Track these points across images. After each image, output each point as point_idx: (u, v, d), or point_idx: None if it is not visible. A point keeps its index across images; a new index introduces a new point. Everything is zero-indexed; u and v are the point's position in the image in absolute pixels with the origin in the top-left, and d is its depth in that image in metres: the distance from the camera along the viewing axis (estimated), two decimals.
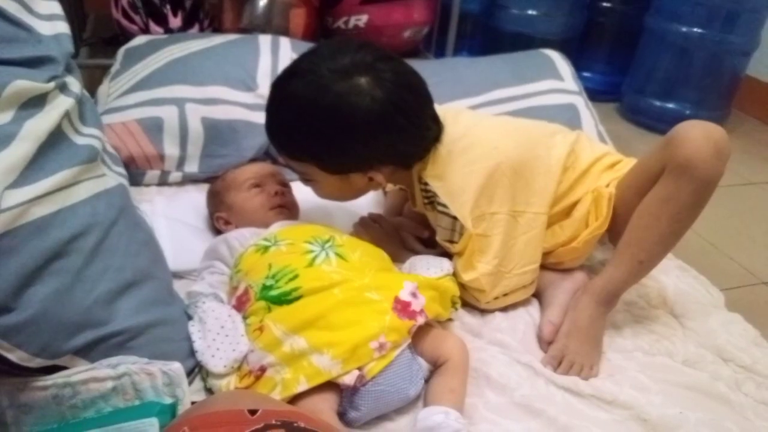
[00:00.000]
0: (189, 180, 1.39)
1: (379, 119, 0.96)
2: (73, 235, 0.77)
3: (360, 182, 1.07)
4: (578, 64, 1.73)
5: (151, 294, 0.85)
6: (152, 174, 1.36)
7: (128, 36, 1.80)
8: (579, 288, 1.11)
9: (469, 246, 1.04)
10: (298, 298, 0.88)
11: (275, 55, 1.52)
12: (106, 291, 0.79)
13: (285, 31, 1.91)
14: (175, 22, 1.93)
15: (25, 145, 0.76)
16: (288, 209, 1.14)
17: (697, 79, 2.26)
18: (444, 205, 1.04)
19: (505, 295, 1.09)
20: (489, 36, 2.35)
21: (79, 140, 0.90)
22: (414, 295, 0.90)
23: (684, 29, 2.20)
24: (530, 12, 2.25)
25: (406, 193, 1.25)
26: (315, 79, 0.96)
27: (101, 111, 1.38)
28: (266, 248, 0.97)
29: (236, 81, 1.44)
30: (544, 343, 1.04)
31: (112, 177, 0.95)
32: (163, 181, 1.37)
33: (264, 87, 1.44)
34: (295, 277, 0.90)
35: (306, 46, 1.64)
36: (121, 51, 1.60)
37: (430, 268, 1.02)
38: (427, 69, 1.66)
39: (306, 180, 1.08)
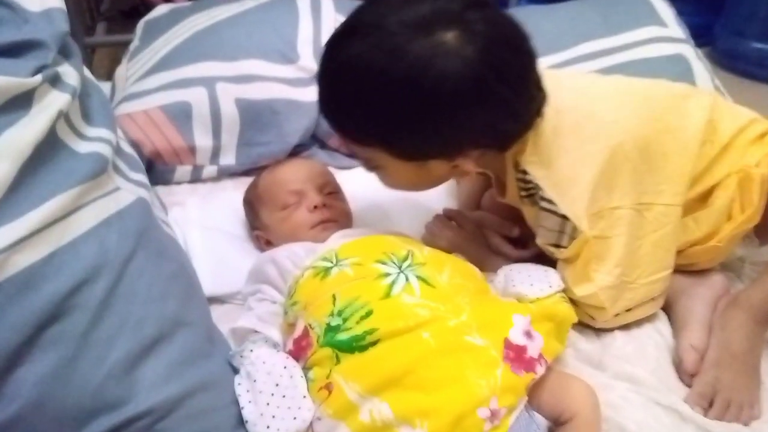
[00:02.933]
0: (226, 174, 1.19)
1: (473, 88, 0.71)
2: (74, 286, 0.58)
3: (441, 170, 0.83)
4: None
5: (183, 349, 0.65)
6: (183, 170, 1.16)
7: (150, 6, 1.59)
8: (720, 297, 0.88)
9: (584, 252, 0.81)
10: (374, 344, 0.67)
11: (317, 17, 1.29)
12: (123, 357, 0.59)
13: None
14: None
15: (1, 166, 0.56)
16: (335, 222, 0.92)
17: None
18: (549, 201, 0.81)
19: (628, 310, 0.85)
20: None
21: (83, 147, 0.70)
22: (528, 334, 0.68)
23: None
24: None
25: (487, 179, 1.01)
26: (383, 38, 0.71)
27: (119, 98, 1.19)
28: (327, 271, 0.76)
29: (273, 52, 1.22)
30: (686, 375, 0.81)
31: (129, 190, 0.75)
32: (196, 178, 1.18)
33: (306, 57, 1.23)
34: (369, 313, 0.68)
35: (353, 4, 1.42)
36: (141, 24, 1.41)
37: (534, 283, 0.79)
38: None
39: (371, 167, 0.85)
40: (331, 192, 0.96)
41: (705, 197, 0.88)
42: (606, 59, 1.25)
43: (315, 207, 0.91)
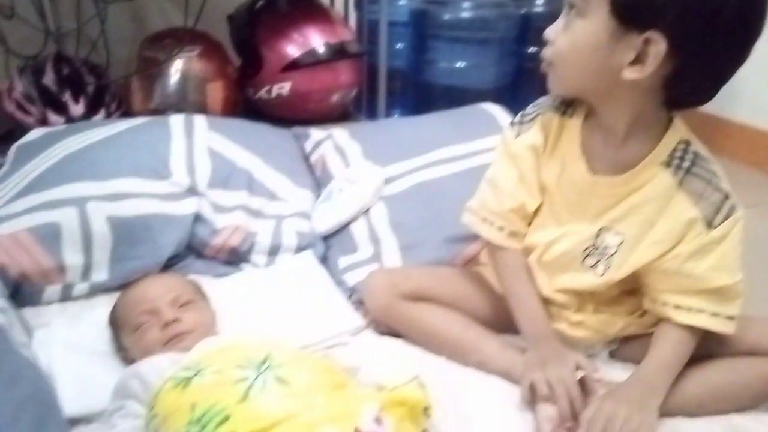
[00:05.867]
0: (99, 291, 1.18)
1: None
2: None
3: (620, 58, 0.82)
4: (514, 111, 1.62)
5: None
6: (52, 290, 1.15)
7: (25, 130, 1.60)
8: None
9: (733, 232, 0.90)
10: None
11: (189, 136, 1.36)
12: None
13: (202, 107, 1.77)
14: (77, 109, 1.74)
15: None
16: (190, 333, 0.93)
17: None
18: (714, 173, 0.90)
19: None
20: (420, 92, 2.27)
21: None
22: (378, 420, 0.73)
23: None
24: (459, 64, 2.18)
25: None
26: None
27: None
28: (188, 381, 0.78)
29: (146, 170, 1.26)
30: None
31: None
32: (66, 296, 1.16)
33: (179, 174, 1.27)
34: (226, 419, 0.71)
35: (225, 122, 1.51)
36: (12, 149, 1.42)
37: (391, 373, 0.84)
38: (361, 132, 1.56)
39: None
40: (185, 303, 0.98)
41: None
42: (459, 162, 1.37)
43: (165, 324, 0.92)
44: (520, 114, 1.05)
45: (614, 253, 0.96)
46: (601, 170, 0.95)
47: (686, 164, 0.91)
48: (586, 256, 0.99)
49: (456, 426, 0.91)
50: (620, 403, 0.86)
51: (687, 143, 0.92)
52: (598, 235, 0.97)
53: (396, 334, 1.09)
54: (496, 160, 1.06)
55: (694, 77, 0.83)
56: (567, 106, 0.99)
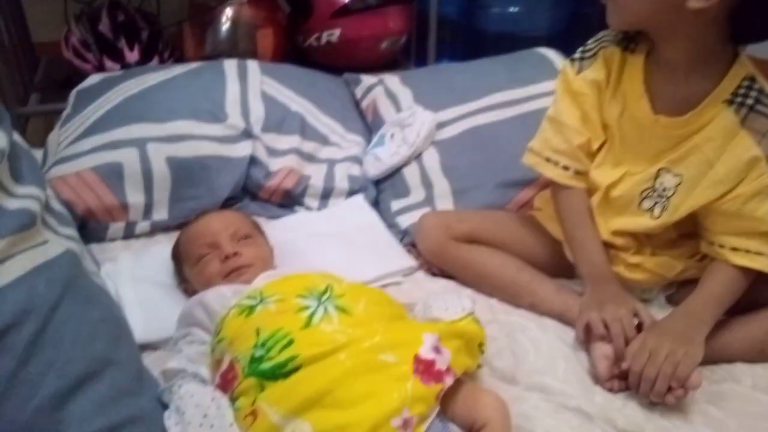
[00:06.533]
0: (159, 229, 1.22)
1: None
2: (1, 329, 0.60)
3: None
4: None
5: (112, 386, 0.68)
6: (116, 227, 1.19)
7: (83, 77, 1.64)
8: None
9: None
10: (295, 370, 0.71)
11: (243, 80, 1.37)
12: (51, 394, 0.62)
13: (253, 55, 1.76)
14: (132, 56, 1.77)
15: None
16: (249, 267, 0.95)
17: None
18: None
19: None
20: (471, 39, 2.21)
21: (12, 204, 0.74)
22: (437, 349, 0.74)
23: None
24: (512, 9, 2.11)
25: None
26: None
27: (51, 162, 1.22)
28: (251, 309, 0.80)
29: (203, 113, 1.28)
30: (601, 381, 0.88)
31: (57, 243, 0.79)
32: (129, 234, 1.21)
33: (234, 116, 1.29)
34: (290, 343, 0.73)
35: (278, 67, 1.52)
36: (73, 93, 1.45)
37: (448, 308, 0.85)
38: (413, 77, 1.53)
39: None
40: (244, 237, 0.99)
41: None
42: (515, 108, 1.34)
43: (226, 257, 0.94)
44: (580, 49, 1.01)
45: (672, 195, 0.94)
46: (663, 110, 0.92)
47: (750, 101, 0.87)
48: (643, 199, 0.97)
49: (509, 363, 0.92)
50: (664, 335, 0.85)
51: (752, 79, 0.88)
52: (656, 177, 0.95)
53: (448, 276, 1.10)
54: (557, 98, 1.04)
55: (763, 7, 0.79)
56: (629, 40, 0.95)
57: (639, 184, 0.97)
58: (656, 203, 0.96)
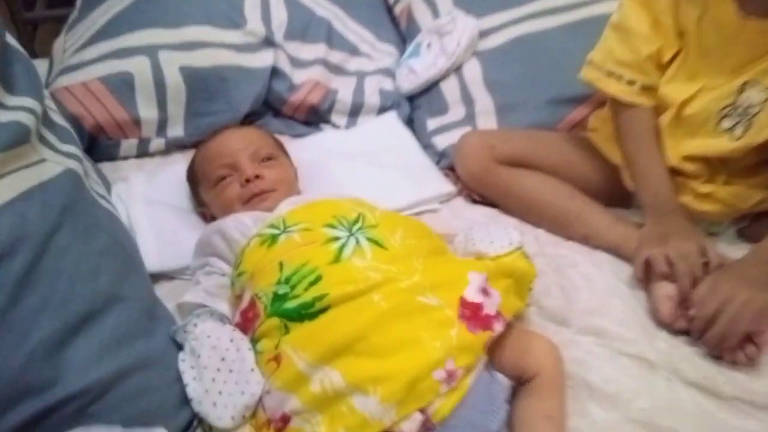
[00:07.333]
0: (175, 147, 1.14)
1: None
2: None
3: None
4: None
5: (118, 327, 0.61)
6: (128, 144, 1.11)
7: None
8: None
9: None
10: (323, 311, 0.63)
11: None
12: (47, 337, 0.55)
13: None
14: None
15: None
16: (273, 192, 0.86)
17: None
18: None
19: None
20: None
21: (1, 116, 0.65)
22: (485, 291, 0.65)
23: None
24: None
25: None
26: None
27: (56, 71, 1.12)
28: (274, 238, 0.72)
29: (219, 17, 1.16)
30: (663, 325, 0.79)
31: (56, 161, 0.70)
32: (143, 152, 1.12)
33: (254, 21, 1.17)
34: (318, 279, 0.65)
35: None
36: None
37: (494, 240, 0.76)
38: None
39: None
40: (266, 158, 0.90)
41: None
42: (572, 13, 1.21)
43: (246, 180, 0.85)
44: None
45: (758, 113, 0.83)
46: (753, 11, 0.80)
47: None
48: (723, 117, 0.86)
49: (559, 302, 0.83)
50: (739, 279, 0.76)
51: None
52: (741, 92, 0.84)
53: (490, 203, 1.01)
54: (623, 2, 0.90)
55: None
56: None
57: (718, 101, 0.85)
58: (738, 122, 0.84)
